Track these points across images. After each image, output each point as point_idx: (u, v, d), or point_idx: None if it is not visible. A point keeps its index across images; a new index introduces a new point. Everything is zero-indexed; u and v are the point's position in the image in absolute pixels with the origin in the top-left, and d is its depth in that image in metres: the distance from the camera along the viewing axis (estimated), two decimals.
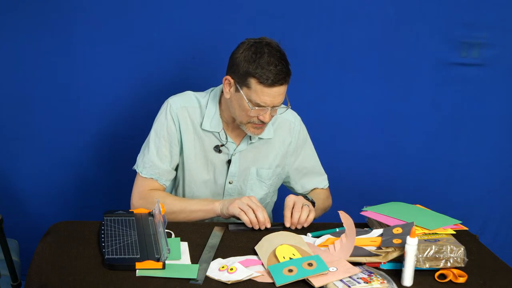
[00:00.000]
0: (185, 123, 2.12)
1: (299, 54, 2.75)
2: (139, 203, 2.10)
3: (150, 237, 1.80)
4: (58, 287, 1.56)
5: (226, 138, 2.14)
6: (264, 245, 1.81)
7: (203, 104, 2.14)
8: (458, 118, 2.89)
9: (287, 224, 1.97)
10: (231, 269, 1.66)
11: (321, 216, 2.25)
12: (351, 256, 1.74)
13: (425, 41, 2.79)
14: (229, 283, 1.62)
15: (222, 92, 2.10)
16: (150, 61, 2.72)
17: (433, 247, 1.73)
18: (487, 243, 2.09)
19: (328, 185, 2.34)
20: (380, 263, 1.74)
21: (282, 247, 1.77)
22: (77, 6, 2.62)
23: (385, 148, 2.90)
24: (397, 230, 1.79)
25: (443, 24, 2.77)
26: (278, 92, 1.99)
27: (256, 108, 1.99)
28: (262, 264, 1.73)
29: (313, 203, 2.10)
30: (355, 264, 1.72)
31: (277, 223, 2.00)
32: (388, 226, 1.86)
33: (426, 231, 1.82)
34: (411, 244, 1.65)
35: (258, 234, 1.89)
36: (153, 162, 2.11)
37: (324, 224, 2.03)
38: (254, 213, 1.93)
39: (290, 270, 1.66)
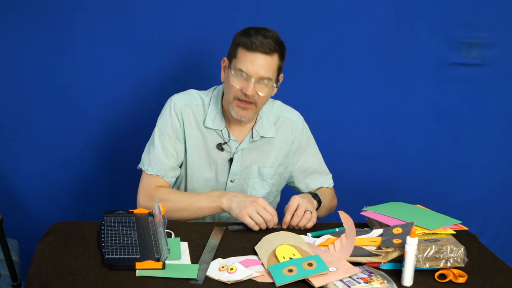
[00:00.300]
0: (188, 121, 2.13)
1: (299, 54, 2.76)
2: (145, 201, 2.08)
3: (150, 237, 1.80)
4: (58, 287, 1.56)
5: (229, 136, 2.14)
6: (264, 245, 1.81)
7: (206, 102, 2.15)
8: (458, 118, 2.89)
9: (284, 226, 1.98)
10: (231, 269, 1.66)
11: None
12: (351, 256, 1.74)
13: (425, 41, 2.79)
14: (229, 283, 1.62)
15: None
16: (150, 61, 2.72)
17: (433, 247, 1.73)
18: (487, 243, 2.09)
19: (333, 184, 2.34)
20: (380, 263, 1.74)
21: (282, 247, 1.77)
22: (77, 6, 2.62)
23: (385, 148, 2.90)
24: (397, 230, 1.79)
25: (443, 24, 2.78)
26: (261, 62, 2.00)
27: (240, 76, 2.00)
28: (262, 264, 1.73)
29: (319, 203, 2.11)
30: (355, 264, 1.72)
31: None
32: (388, 226, 1.86)
33: (426, 231, 1.82)
34: (411, 244, 1.65)
35: (258, 234, 1.89)
36: (159, 159, 2.10)
37: (324, 224, 2.03)
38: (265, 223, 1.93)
39: (290, 270, 1.66)
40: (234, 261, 1.72)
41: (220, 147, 2.14)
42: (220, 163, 2.16)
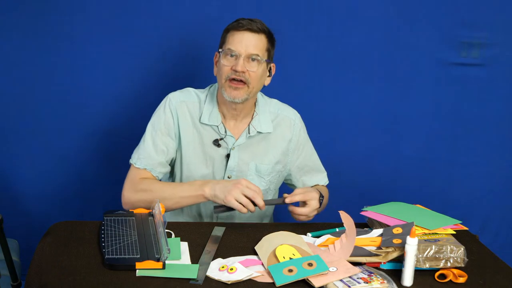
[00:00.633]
0: (183, 118, 2.14)
1: (299, 54, 2.76)
2: (129, 193, 2.08)
3: (150, 237, 1.80)
4: (58, 287, 1.56)
5: (225, 132, 2.14)
6: (264, 245, 1.81)
7: (202, 99, 2.16)
8: (458, 118, 2.89)
9: (287, 200, 1.99)
10: (231, 269, 1.66)
11: (321, 216, 2.25)
12: (351, 256, 1.74)
13: (425, 41, 2.79)
14: (229, 283, 1.62)
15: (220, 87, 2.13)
16: (151, 61, 2.72)
17: (433, 247, 1.73)
18: (487, 243, 2.09)
19: (328, 182, 2.35)
20: (380, 263, 1.74)
21: (282, 247, 1.77)
22: (76, 6, 2.62)
23: (385, 148, 2.90)
24: (397, 230, 1.79)
25: (443, 24, 2.78)
26: (249, 39, 2.05)
27: (229, 57, 2.05)
28: (262, 264, 1.73)
29: (320, 202, 2.11)
30: (355, 264, 1.72)
31: (277, 199, 2.01)
32: (388, 226, 1.86)
33: (426, 231, 1.82)
34: (411, 244, 1.65)
35: (258, 234, 1.89)
36: (148, 153, 2.11)
37: (324, 224, 2.03)
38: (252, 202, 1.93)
39: (290, 270, 1.66)
40: (234, 261, 1.72)
41: (216, 143, 2.15)
42: (217, 159, 2.16)
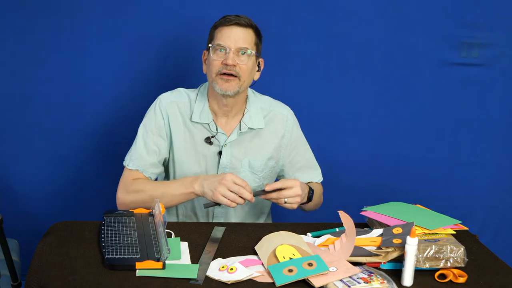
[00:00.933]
0: (174, 118, 2.15)
1: (299, 54, 2.76)
2: (122, 194, 2.11)
3: (150, 237, 1.80)
4: (58, 287, 1.56)
5: (216, 129, 2.15)
6: (264, 245, 1.81)
7: (193, 99, 2.18)
8: (458, 118, 2.89)
9: (267, 188, 2.00)
10: (231, 269, 1.66)
11: (321, 216, 2.25)
12: (351, 256, 1.74)
13: (425, 41, 2.79)
14: (229, 283, 1.62)
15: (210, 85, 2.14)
16: (150, 61, 2.72)
17: (433, 247, 1.73)
18: (487, 243, 2.09)
19: (322, 179, 2.34)
20: (380, 263, 1.74)
21: (282, 247, 1.77)
22: (77, 6, 2.62)
23: (385, 148, 2.89)
24: (397, 230, 1.79)
25: (443, 24, 2.77)
26: (237, 33, 2.08)
27: (219, 52, 2.06)
28: (262, 264, 1.73)
29: (309, 198, 2.12)
30: (355, 264, 1.72)
31: (261, 190, 2.02)
32: (388, 226, 1.86)
33: (426, 231, 1.82)
34: (411, 244, 1.65)
35: (258, 234, 1.89)
36: (140, 154, 2.13)
37: (324, 224, 2.03)
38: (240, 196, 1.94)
39: (290, 270, 1.65)
40: (234, 261, 1.72)
41: (208, 140, 2.15)
42: (209, 157, 2.17)
